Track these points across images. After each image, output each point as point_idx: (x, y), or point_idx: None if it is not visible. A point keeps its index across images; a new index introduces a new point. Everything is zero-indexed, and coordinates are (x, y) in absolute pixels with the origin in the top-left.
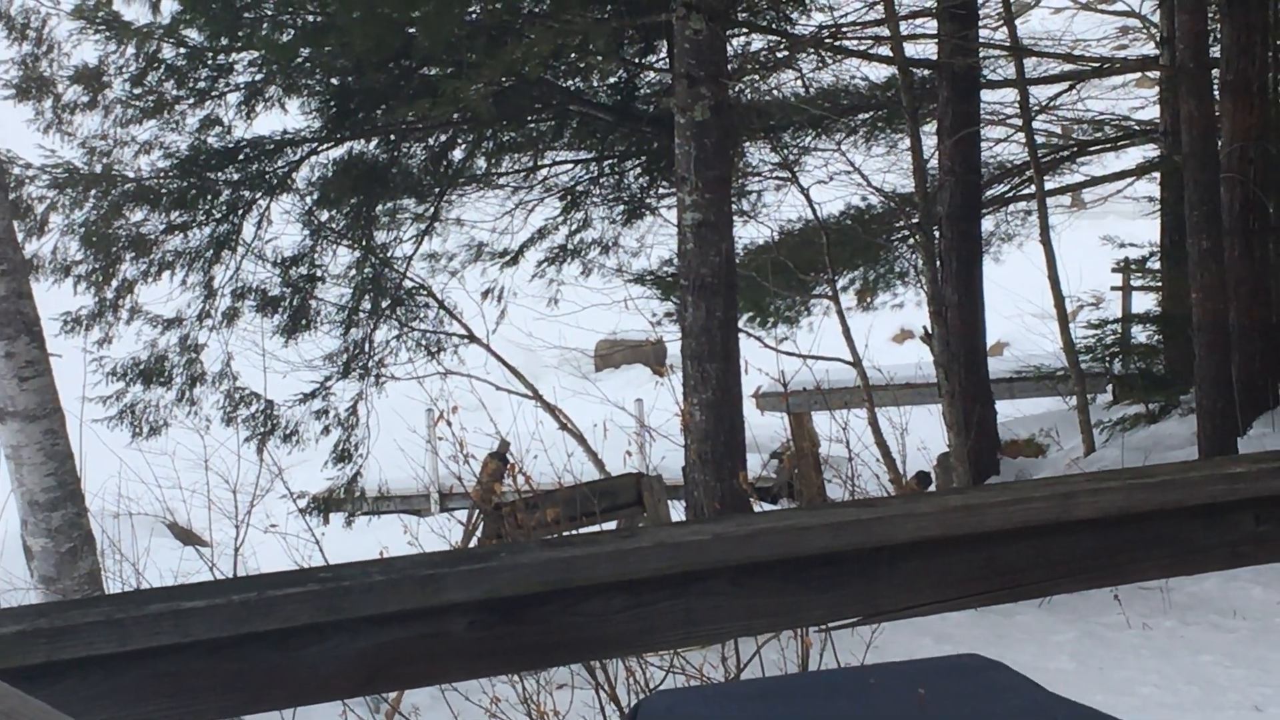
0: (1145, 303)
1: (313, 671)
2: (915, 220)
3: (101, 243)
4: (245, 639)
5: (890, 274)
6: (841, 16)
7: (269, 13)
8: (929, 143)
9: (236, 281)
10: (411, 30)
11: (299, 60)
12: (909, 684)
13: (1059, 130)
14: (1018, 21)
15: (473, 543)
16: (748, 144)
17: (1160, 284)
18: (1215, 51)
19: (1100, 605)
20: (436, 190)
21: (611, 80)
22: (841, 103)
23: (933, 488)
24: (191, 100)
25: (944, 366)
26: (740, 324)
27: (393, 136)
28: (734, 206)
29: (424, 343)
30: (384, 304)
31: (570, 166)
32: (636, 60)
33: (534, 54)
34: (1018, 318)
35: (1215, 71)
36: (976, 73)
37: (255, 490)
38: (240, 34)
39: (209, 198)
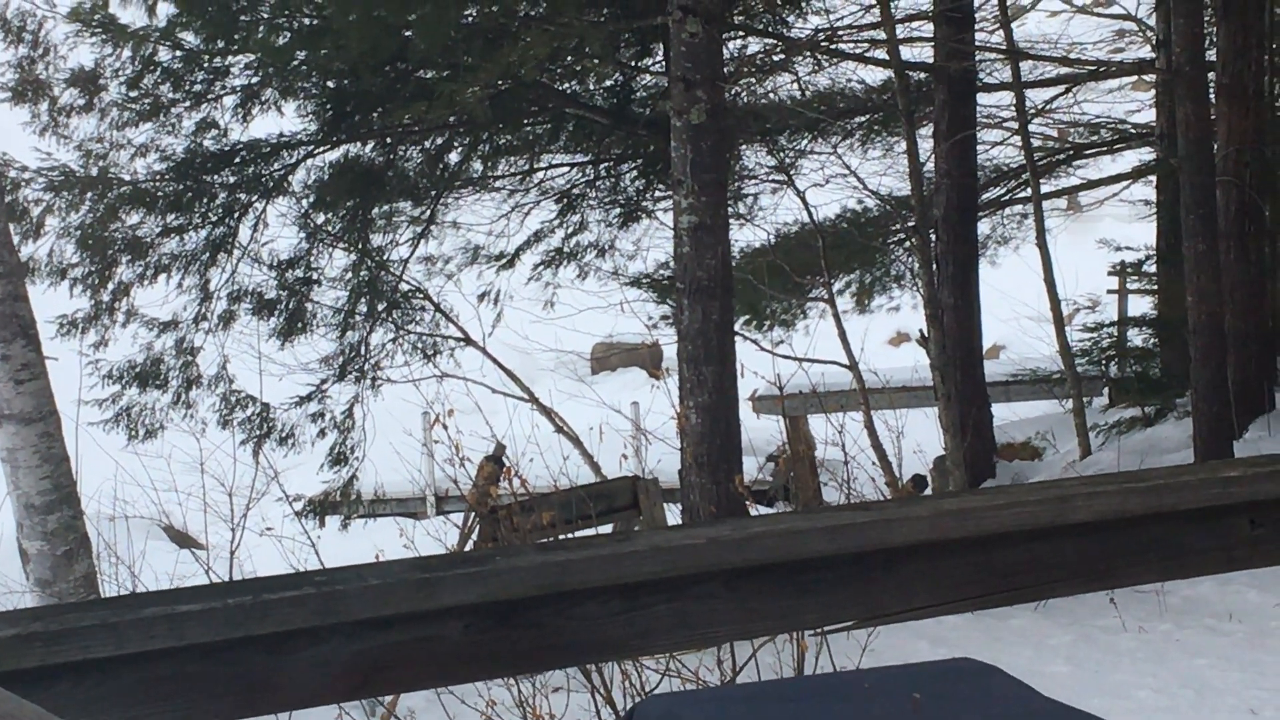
0: (1141, 306)
1: (308, 675)
2: (911, 223)
3: (97, 245)
4: (240, 642)
5: (886, 277)
6: (838, 20)
7: (265, 16)
8: (925, 146)
9: (232, 284)
10: (407, 33)
11: (295, 63)
12: (903, 688)
13: (1055, 133)
14: (1014, 25)
15: (469, 546)
16: (744, 147)
17: (1156, 287)
18: (1211, 55)
19: (1096, 608)
20: (433, 193)
21: (608, 83)
22: (838, 106)
23: (929, 491)
24: (188, 103)
25: (940, 370)
26: (736, 327)
27: (389, 139)
28: (730, 209)
29: (420, 346)
30: (380, 307)
31: (566, 169)
32: (633, 63)
33: (530, 57)
34: (1014, 321)
35: (1211, 75)
36: (973, 76)
37: (251, 493)
38: (236, 37)
39: (205, 201)
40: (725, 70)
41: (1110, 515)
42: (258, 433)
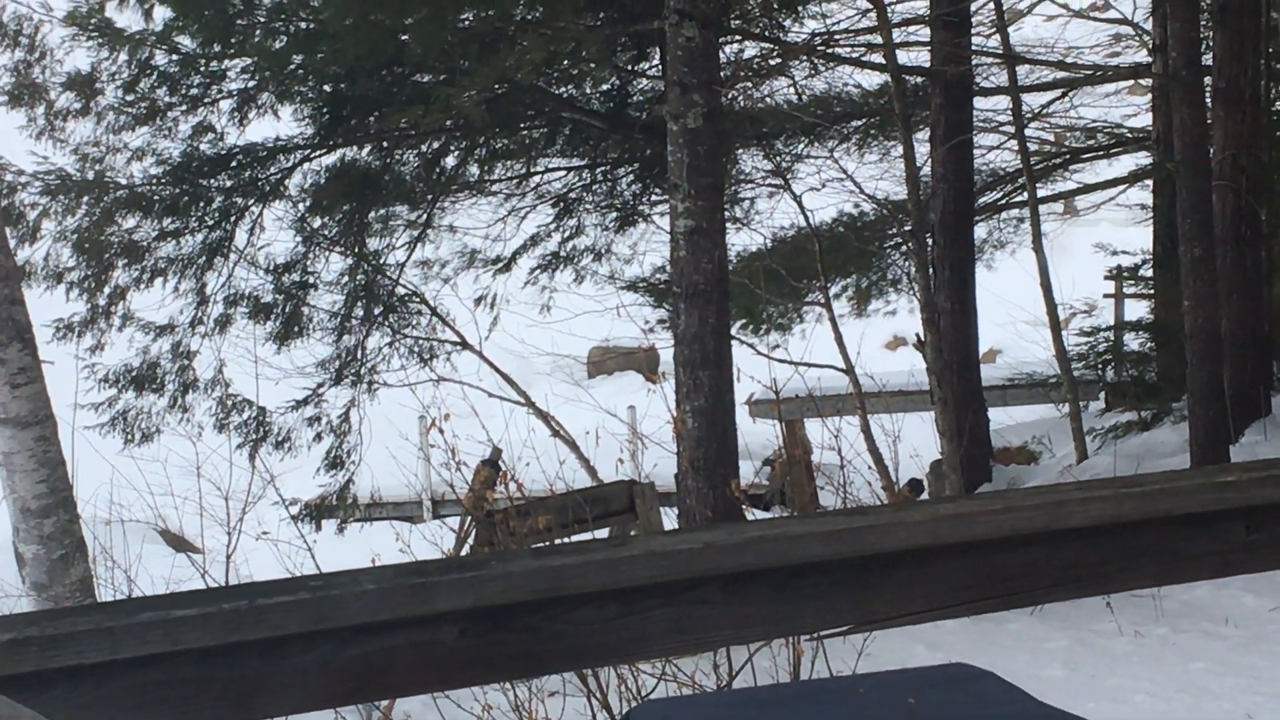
0: (1138, 310)
1: (304, 680)
2: (908, 227)
3: (94, 249)
4: (236, 647)
5: (883, 281)
6: (834, 24)
7: (261, 20)
8: (922, 150)
9: (229, 288)
10: (404, 37)
11: (291, 67)
12: (899, 693)
13: (1052, 138)
14: (1010, 29)
15: (465, 550)
16: (741, 151)
17: (1152, 291)
18: (1208, 59)
19: (1092, 613)
20: (429, 197)
21: (604, 87)
22: (834, 110)
23: (925, 495)
24: (184, 107)
25: (936, 374)
26: (733, 331)
27: (385, 143)
28: (727, 213)
29: (416, 349)
30: (376, 311)
31: (563, 173)
32: (629, 67)
33: (526, 61)
34: (1010, 325)
35: (1208, 79)
36: (969, 80)
37: (247, 497)
38: (233, 41)
39: (201, 204)
40: (722, 74)
41: (1106, 520)
42: (254, 436)
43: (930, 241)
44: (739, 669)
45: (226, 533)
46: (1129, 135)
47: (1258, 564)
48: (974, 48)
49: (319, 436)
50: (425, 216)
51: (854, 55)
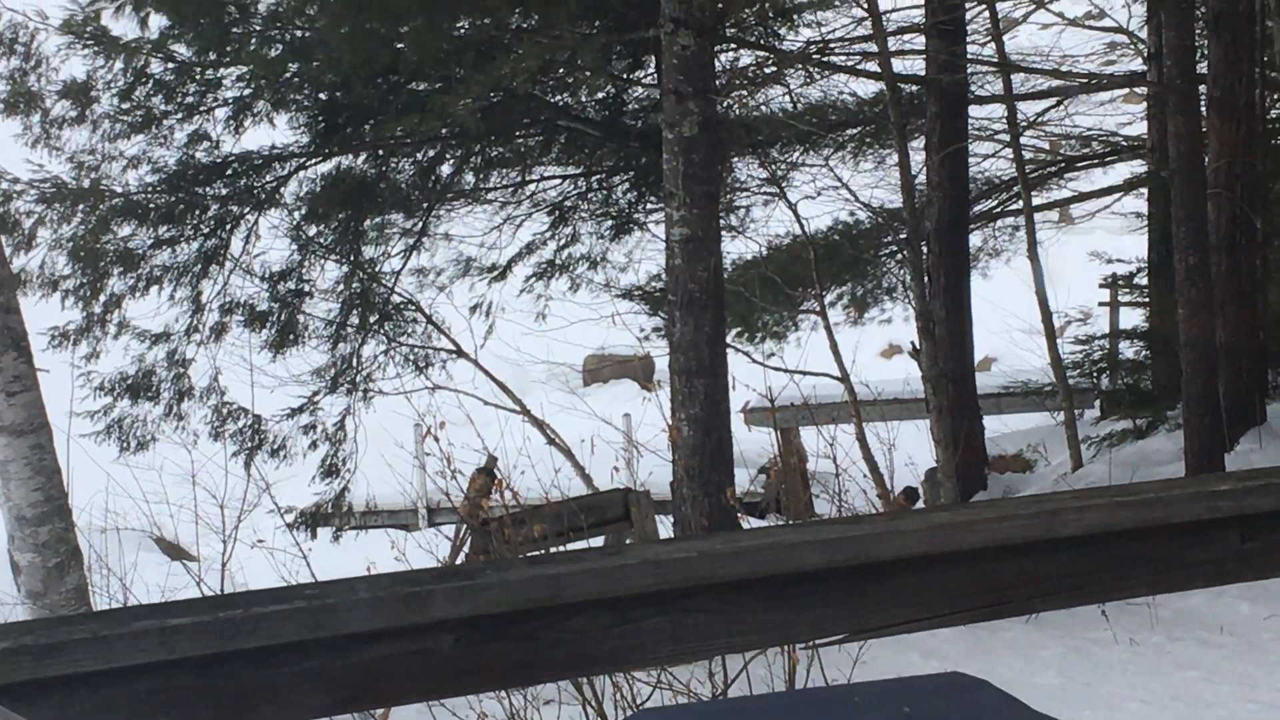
0: (1133, 318)
1: (299, 689)
2: (903, 235)
3: (89, 257)
4: (231, 656)
5: (878, 289)
6: (830, 32)
7: (257, 28)
8: (917, 158)
9: (224, 296)
10: (399, 45)
11: (287, 75)
12: (894, 702)
13: (1047, 146)
14: (1006, 37)
15: (460, 558)
16: (736, 159)
17: (1148, 300)
18: (1203, 68)
19: (1087, 621)
20: (424, 205)
21: (600, 95)
22: (830, 118)
23: (920, 503)
24: (180, 115)
25: (932, 382)
26: (728, 339)
27: (381, 151)
28: (722, 222)
29: (412, 358)
30: (372, 319)
31: (558, 181)
32: (625, 76)
33: (522, 69)
34: (1006, 333)
35: (1203, 88)
36: (964, 88)
37: (243, 505)
38: (228, 49)
39: (197, 213)
40: (717, 82)
41: (1101, 529)
42: (249, 445)
43: (925, 249)
44: (734, 677)
45: (222, 541)
46: (1124, 144)
47: (1252, 573)
48: (969, 56)
49: (314, 444)
50: (421, 224)
51: (849, 64)
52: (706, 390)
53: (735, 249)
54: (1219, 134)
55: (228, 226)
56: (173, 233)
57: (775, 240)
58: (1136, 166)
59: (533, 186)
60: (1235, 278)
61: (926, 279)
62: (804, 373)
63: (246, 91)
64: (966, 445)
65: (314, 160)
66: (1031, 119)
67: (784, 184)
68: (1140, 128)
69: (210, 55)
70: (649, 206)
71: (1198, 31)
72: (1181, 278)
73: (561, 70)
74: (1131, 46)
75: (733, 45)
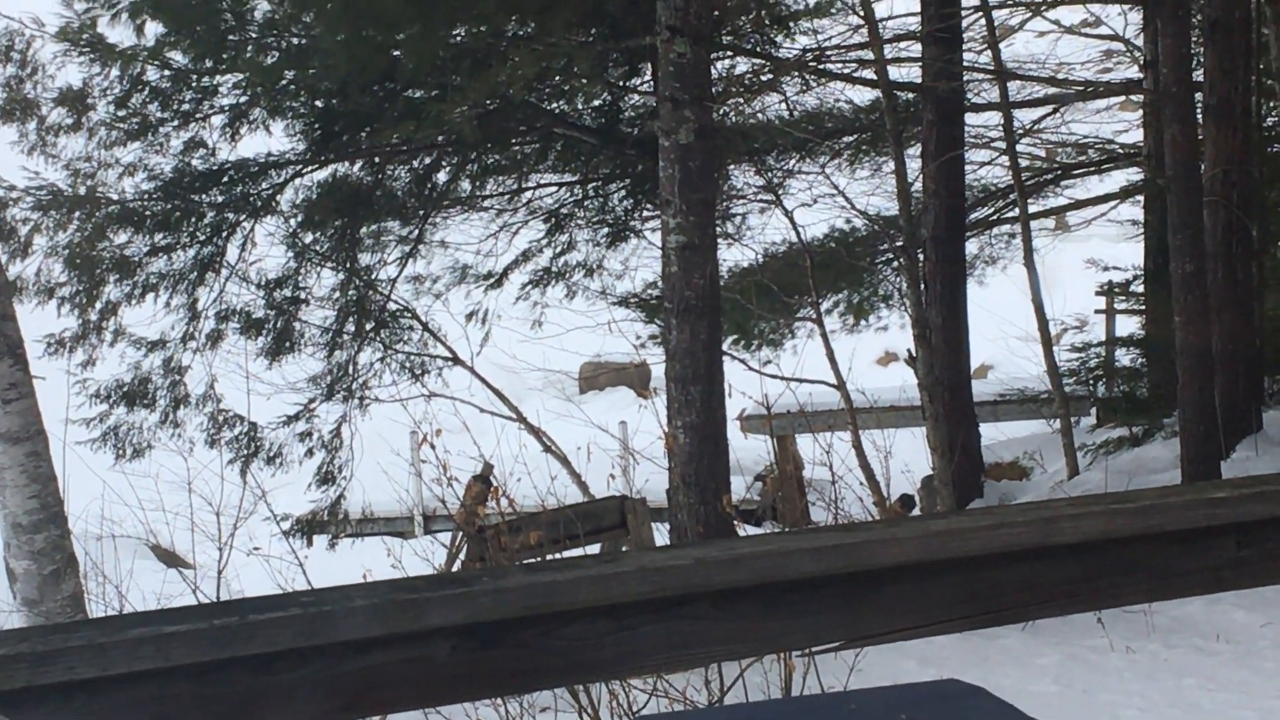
0: (1129, 326)
1: (294, 696)
2: (899, 243)
3: (85, 265)
4: (227, 663)
5: (874, 297)
6: (825, 40)
7: (253, 35)
8: (913, 166)
9: (220, 304)
10: (396, 53)
11: (283, 82)
12: (890, 710)
13: (1043, 153)
14: (1002, 45)
15: (456, 565)
16: (732, 167)
17: (1144, 307)
18: (1199, 75)
19: (1083, 628)
20: (421, 213)
21: (596, 103)
22: (826, 126)
23: (917, 510)
24: (176, 122)
25: (928, 389)
26: (724, 347)
27: (377, 159)
28: (718, 229)
29: (408, 365)
30: (368, 326)
31: (555, 189)
32: (621, 83)
33: (518, 77)
34: (1002, 340)
35: (1199, 95)
36: (960, 96)
37: (239, 512)
38: (225, 56)
39: (193, 220)
40: (713, 90)
41: (1097, 536)
42: (245, 452)
43: (922, 257)
44: (731, 684)
45: (218, 548)
46: (1120, 151)
47: (1248, 580)
48: (965, 64)
49: (310, 452)
50: (417, 232)
51: (845, 71)
52: (703, 398)
53: (731, 256)
54: (1215, 141)
55: (224, 234)
56: (169, 240)
57: (771, 248)
58: (1133, 174)
59: (529, 194)
60: (1231, 285)
61: (923, 286)
62: (800, 380)
63: (243, 99)
64: (962, 452)
65: (310, 167)
66: (1028, 126)
67: (780, 191)
68: (1136, 135)
69: (206, 62)
70: (645, 214)
71: (1194, 39)
72: (1178, 285)
73: (558, 78)
74: (1128, 54)
75: (729, 53)
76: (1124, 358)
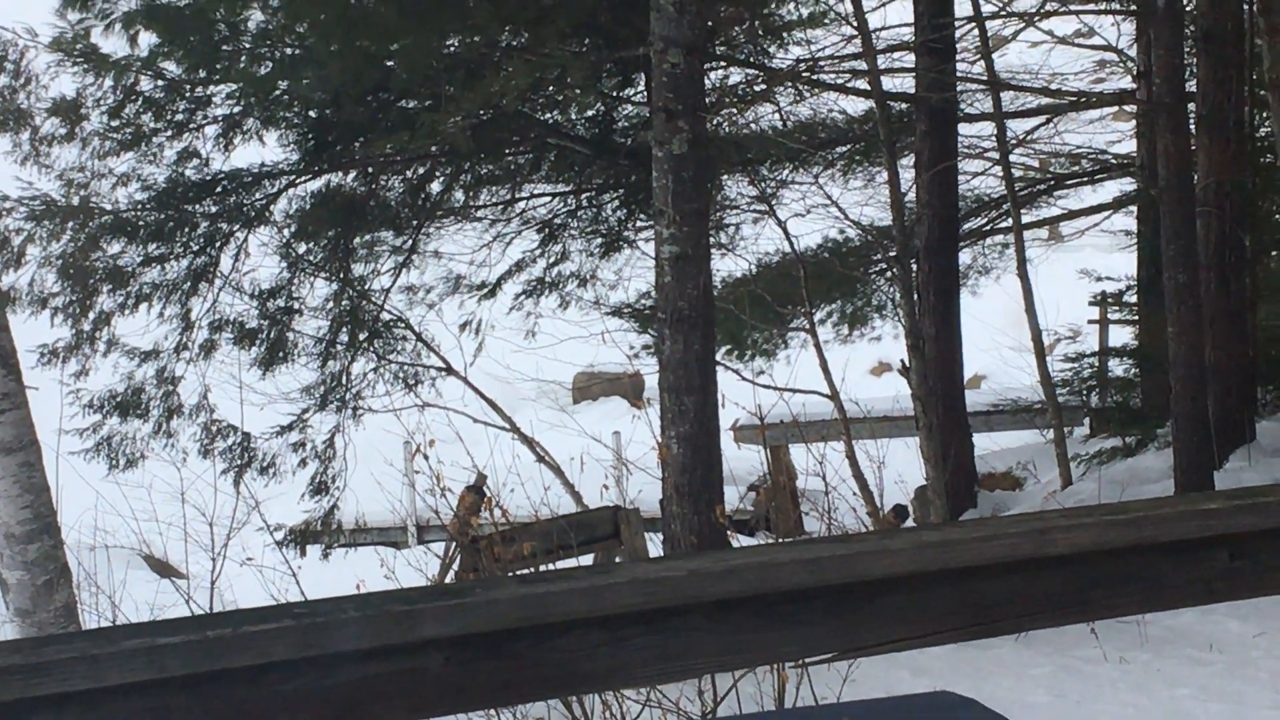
0: (1122, 336)
1: (288, 708)
2: (893, 253)
3: (79, 275)
4: (220, 675)
5: (868, 307)
6: (819, 50)
7: (247, 46)
8: (906, 176)
9: (214, 314)
10: (389, 63)
11: (277, 93)
12: None
13: (1036, 164)
14: (995, 55)
15: (450, 575)
16: (726, 177)
17: (1137, 318)
18: (1192, 86)
19: (1077, 638)
20: (414, 223)
21: (589, 113)
22: (819, 136)
23: (910, 521)
24: (169, 133)
25: (921, 399)
26: (718, 357)
27: (371, 169)
28: (712, 239)
29: (402, 375)
30: (361, 336)
31: (548, 199)
32: (614, 93)
33: (512, 87)
34: (995, 351)
35: (1192, 106)
36: (954, 106)
37: (232, 523)
38: (218, 67)
39: (187, 230)
40: (707, 100)
41: (1090, 548)
42: (239, 462)
43: (915, 267)
44: (724, 695)
45: (211, 558)
46: (1113, 161)
47: (1241, 591)
48: (958, 74)
49: (304, 462)
50: (410, 242)
51: (839, 81)
52: (696, 408)
53: (725, 267)
54: (1208, 152)
55: (217, 244)
56: (162, 250)
57: (765, 258)
58: (1126, 184)
59: (522, 204)
60: (1224, 296)
61: (916, 297)
62: (794, 390)
63: (236, 109)
64: (956, 463)
65: (304, 178)
66: (1021, 137)
67: (774, 202)
68: (1130, 145)
69: (200, 73)
70: (638, 224)
71: (1187, 50)
72: (1171, 296)
73: (551, 88)
74: (1121, 64)
75: (722, 63)
76: (1117, 368)
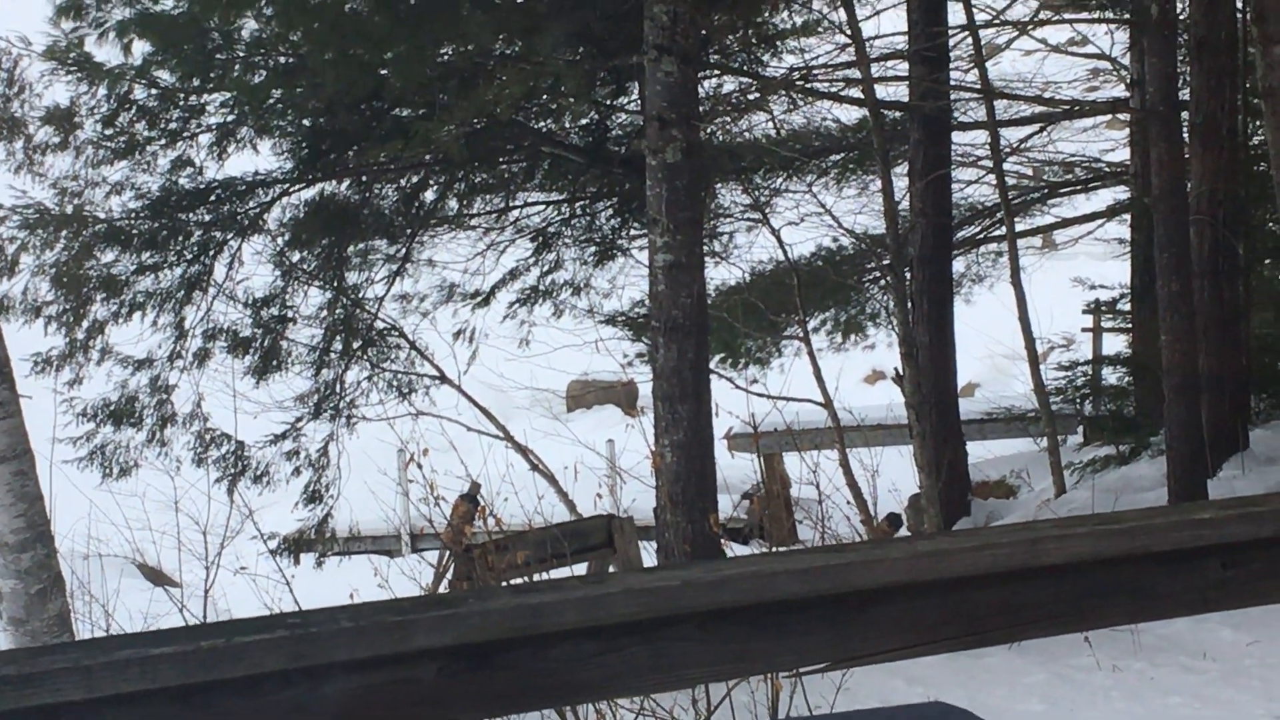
0: (1116, 344)
1: (281, 718)
2: (886, 262)
3: (72, 283)
4: (214, 685)
5: (862, 315)
6: (813, 59)
7: (241, 54)
8: (900, 184)
9: (208, 322)
10: (383, 72)
11: (271, 101)
12: None
13: (1030, 172)
14: (989, 64)
15: (443, 584)
16: (719, 185)
17: (1131, 326)
18: (1185, 94)
19: (1070, 647)
20: (408, 231)
21: (583, 122)
22: (813, 144)
23: (904, 529)
24: (163, 141)
25: (915, 408)
26: (712, 365)
27: (364, 178)
28: (705, 248)
29: (395, 384)
30: (355, 345)
31: (542, 208)
32: (608, 102)
33: (506, 96)
34: (989, 359)
35: (1185, 114)
36: (948, 115)
37: (225, 531)
38: (212, 75)
39: (180, 239)
40: (700, 109)
41: (1083, 557)
42: (232, 470)
43: (909, 276)
44: (717, 705)
45: (205, 567)
46: (1107, 170)
47: (1233, 601)
48: (952, 83)
49: (297, 470)
50: (404, 251)
51: (832, 90)
52: (690, 416)
53: (718, 275)
54: (1201, 160)
55: (211, 252)
56: (156, 259)
57: (758, 266)
58: (1119, 193)
59: (516, 213)
60: (1218, 304)
61: (910, 305)
62: (787, 399)
63: (230, 117)
64: (950, 471)
65: (297, 186)
66: (1014, 145)
67: (767, 210)
68: (1123, 154)
69: (194, 81)
70: (632, 232)
71: (1180, 58)
72: (1164, 304)
73: (545, 97)
74: (1114, 73)
75: (716, 72)
76: (1111, 376)
